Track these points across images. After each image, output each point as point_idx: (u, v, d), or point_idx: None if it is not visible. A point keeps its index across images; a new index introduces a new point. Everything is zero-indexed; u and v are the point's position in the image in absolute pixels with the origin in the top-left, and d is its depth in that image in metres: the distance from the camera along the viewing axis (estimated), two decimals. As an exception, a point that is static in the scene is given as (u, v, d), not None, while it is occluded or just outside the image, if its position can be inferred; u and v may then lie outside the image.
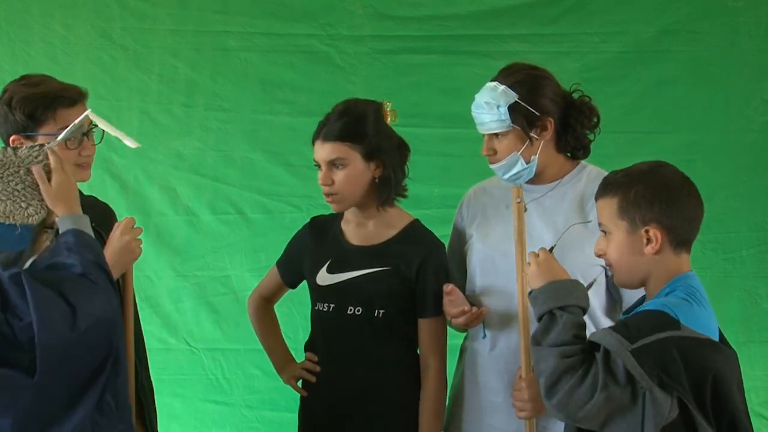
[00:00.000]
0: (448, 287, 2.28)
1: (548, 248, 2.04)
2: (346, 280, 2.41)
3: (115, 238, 2.19)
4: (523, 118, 2.24)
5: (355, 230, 2.46)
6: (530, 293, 2.00)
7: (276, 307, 2.71)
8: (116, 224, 2.23)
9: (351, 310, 2.39)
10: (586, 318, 1.97)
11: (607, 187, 1.95)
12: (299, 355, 2.57)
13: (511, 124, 2.24)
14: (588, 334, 1.89)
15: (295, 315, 3.60)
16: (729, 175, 3.79)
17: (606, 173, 2.16)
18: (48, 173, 1.89)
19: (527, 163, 2.27)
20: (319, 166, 2.38)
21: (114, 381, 1.83)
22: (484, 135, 2.31)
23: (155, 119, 3.82)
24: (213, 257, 3.84)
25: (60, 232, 1.91)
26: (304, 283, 2.55)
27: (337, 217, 2.50)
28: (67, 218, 1.91)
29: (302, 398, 2.55)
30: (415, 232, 2.44)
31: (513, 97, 2.24)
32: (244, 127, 3.84)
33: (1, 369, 1.68)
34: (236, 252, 3.84)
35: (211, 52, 3.83)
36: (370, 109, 2.38)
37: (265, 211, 3.84)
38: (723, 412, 1.75)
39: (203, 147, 3.84)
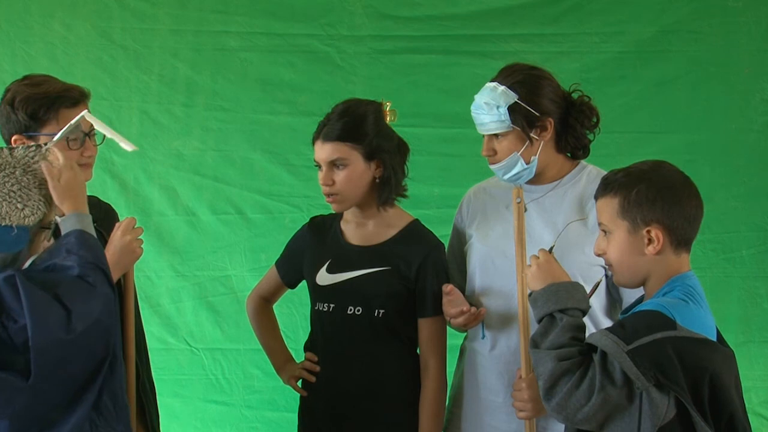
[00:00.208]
0: (447, 287, 2.28)
1: (548, 249, 2.04)
2: (345, 280, 2.41)
3: (117, 238, 2.19)
4: (523, 118, 2.24)
5: (355, 230, 2.46)
6: (530, 295, 2.00)
7: (276, 307, 2.71)
8: (117, 224, 2.23)
9: (351, 310, 2.39)
10: (586, 319, 1.97)
11: (607, 187, 1.94)
12: (299, 355, 2.57)
13: (511, 125, 2.24)
14: (587, 335, 1.89)
15: (295, 315, 3.61)
16: (729, 175, 3.80)
17: (605, 173, 2.16)
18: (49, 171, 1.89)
19: (527, 163, 2.27)
20: (319, 166, 2.38)
21: (111, 382, 1.83)
22: (483, 135, 2.31)
23: (155, 119, 3.83)
24: (213, 257, 3.84)
25: (63, 231, 1.91)
26: (304, 283, 2.55)
27: (337, 217, 2.50)
28: (72, 217, 1.90)
29: (302, 398, 2.55)
30: (415, 232, 2.44)
31: (513, 97, 2.24)
32: (244, 127, 3.85)
33: None
34: (236, 252, 3.84)
35: (211, 52, 3.83)
36: (370, 110, 2.38)
37: (265, 211, 3.84)
38: (721, 412, 1.75)
39: (203, 147, 3.84)
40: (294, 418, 2.57)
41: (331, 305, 2.42)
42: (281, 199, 3.83)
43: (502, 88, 2.26)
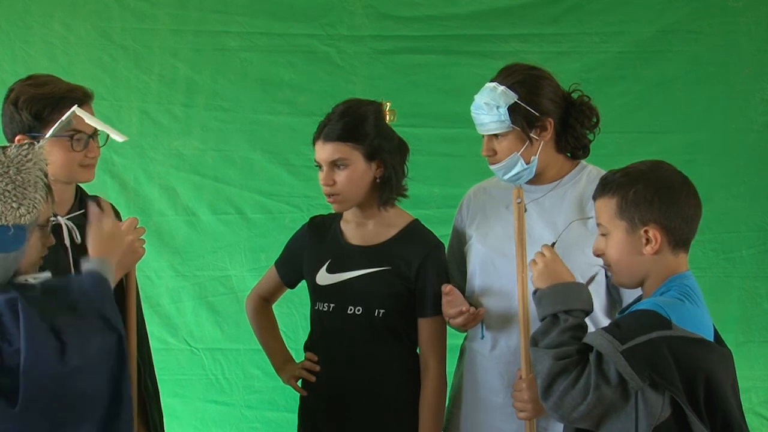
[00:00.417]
0: (446, 288, 2.28)
1: (549, 245, 2.04)
2: (346, 280, 2.41)
3: None
4: (523, 118, 2.24)
5: (355, 230, 2.46)
6: (534, 292, 2.00)
7: (276, 307, 2.71)
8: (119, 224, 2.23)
9: (351, 309, 2.39)
10: (586, 319, 1.97)
11: (605, 187, 1.94)
12: (299, 355, 2.57)
13: (511, 125, 2.24)
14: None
15: (295, 315, 3.61)
16: (729, 175, 3.80)
17: (606, 173, 2.16)
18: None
19: (527, 163, 2.27)
20: (320, 166, 2.38)
21: (115, 423, 1.83)
22: (483, 136, 2.31)
23: (155, 119, 3.82)
24: (213, 257, 3.84)
25: (84, 269, 1.95)
26: (304, 282, 2.55)
27: (337, 216, 2.50)
28: (97, 261, 1.95)
29: (302, 398, 2.55)
30: (415, 232, 2.44)
31: (512, 97, 2.24)
32: (244, 127, 3.85)
33: None
34: (236, 252, 3.84)
35: (211, 52, 3.83)
36: (370, 110, 2.38)
37: (265, 211, 3.84)
38: (716, 411, 1.76)
39: (203, 147, 3.84)
40: (294, 418, 2.57)
41: (331, 305, 2.42)
42: (281, 199, 3.83)
43: (502, 88, 2.25)
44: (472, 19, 3.81)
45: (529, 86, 2.26)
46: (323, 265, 2.44)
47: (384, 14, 3.82)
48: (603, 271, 2.19)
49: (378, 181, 2.38)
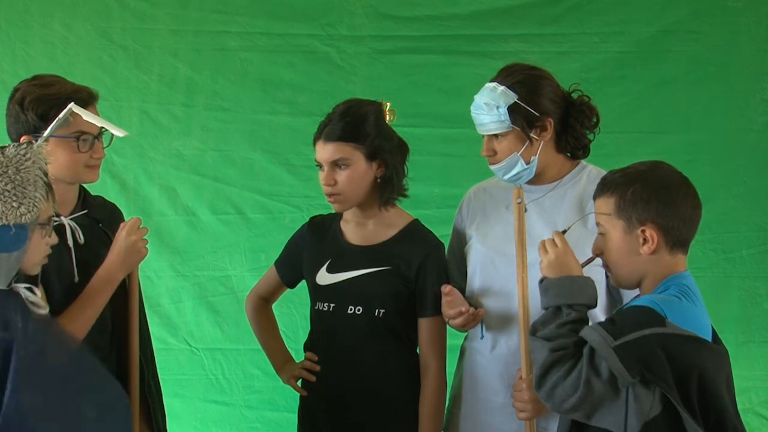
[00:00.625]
0: (446, 288, 2.28)
1: (561, 231, 2.04)
2: (346, 280, 2.41)
3: (122, 238, 2.20)
4: (523, 118, 2.24)
5: (355, 230, 2.46)
6: (541, 281, 2.00)
7: (276, 307, 2.71)
8: (122, 224, 2.24)
9: (351, 309, 2.39)
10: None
11: (604, 187, 1.95)
12: (299, 355, 2.57)
13: (511, 125, 2.24)
14: None
15: (295, 315, 3.61)
16: (729, 175, 3.79)
17: (606, 173, 2.16)
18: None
19: (527, 163, 2.27)
20: (320, 166, 2.38)
21: None
22: (483, 136, 2.31)
23: (155, 119, 3.82)
24: (213, 257, 3.84)
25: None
26: (304, 282, 2.55)
27: (337, 216, 2.50)
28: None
29: (302, 398, 2.55)
30: (415, 232, 2.44)
31: (512, 97, 2.24)
32: (244, 127, 3.84)
33: None
34: (236, 252, 3.84)
35: (211, 52, 3.83)
36: (371, 110, 2.38)
37: (265, 211, 3.84)
38: (710, 410, 1.76)
39: (203, 147, 3.84)
40: (294, 418, 2.57)
41: (332, 305, 2.42)
42: (281, 199, 3.83)
43: (502, 88, 2.26)
44: (472, 19, 3.81)
45: (529, 86, 2.26)
46: (323, 265, 2.44)
47: (384, 14, 3.82)
48: (603, 271, 2.19)
49: (379, 181, 2.38)
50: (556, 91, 2.30)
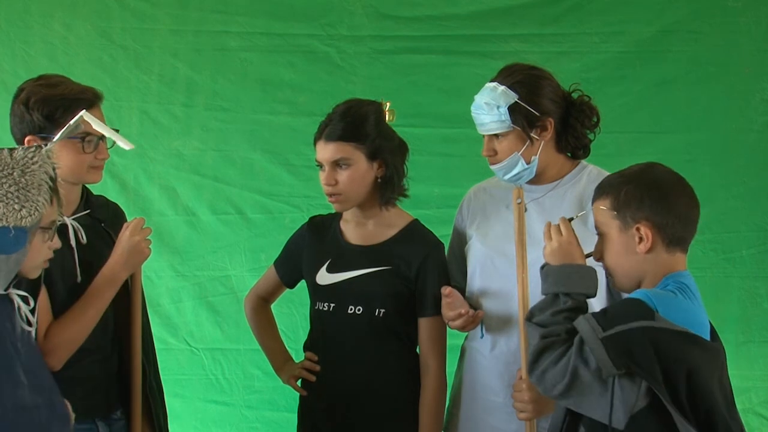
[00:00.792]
0: (446, 290, 2.27)
1: (568, 219, 2.04)
2: (346, 280, 2.41)
3: (125, 239, 2.20)
4: (524, 118, 2.24)
5: (355, 230, 2.46)
6: (543, 267, 2.00)
7: (275, 307, 2.71)
8: (125, 224, 2.24)
9: (351, 309, 2.39)
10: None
11: (601, 189, 1.98)
12: (300, 355, 2.57)
13: (512, 125, 2.24)
14: None
15: (295, 315, 3.61)
16: (729, 175, 3.79)
17: (606, 172, 2.17)
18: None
19: (528, 163, 2.27)
20: (321, 166, 2.38)
21: None
22: (484, 136, 2.31)
23: (155, 119, 3.82)
24: (213, 257, 3.84)
25: None
26: (303, 282, 2.55)
27: (336, 216, 2.50)
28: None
29: (302, 398, 2.55)
30: (415, 231, 2.44)
31: (513, 97, 2.24)
32: (244, 127, 3.84)
33: None
34: (236, 252, 3.84)
35: (211, 52, 3.83)
36: (371, 110, 2.38)
37: (265, 211, 3.84)
38: (699, 406, 1.76)
39: (203, 147, 3.84)
40: (294, 418, 2.57)
41: (332, 305, 2.42)
42: (281, 199, 3.83)
43: (502, 88, 2.26)
44: (472, 19, 3.81)
45: (529, 86, 2.26)
46: (323, 265, 2.44)
47: (384, 14, 3.82)
48: (604, 271, 2.19)
49: (379, 181, 2.38)
50: (557, 90, 2.30)
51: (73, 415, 1.96)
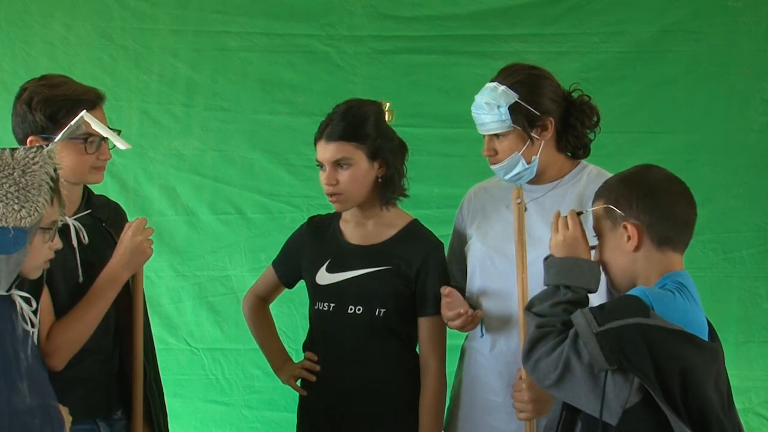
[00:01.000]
0: (445, 290, 2.27)
1: (576, 213, 2.04)
2: (346, 280, 2.41)
3: (127, 239, 2.20)
4: (524, 118, 2.24)
5: (354, 229, 2.46)
6: (546, 258, 2.00)
7: (275, 307, 2.71)
8: (127, 224, 2.24)
9: (351, 309, 2.39)
10: None
11: (597, 192, 1.99)
12: (299, 355, 2.57)
13: (512, 125, 2.24)
14: None
15: (295, 315, 3.61)
16: (729, 175, 3.79)
17: (606, 172, 2.17)
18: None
19: (528, 163, 2.27)
20: (321, 166, 2.38)
21: None
22: (484, 135, 2.31)
23: (155, 119, 3.82)
24: (213, 257, 3.84)
25: None
26: (302, 282, 2.55)
27: (336, 216, 2.50)
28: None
29: (301, 398, 2.55)
30: (415, 231, 2.44)
31: (513, 97, 2.24)
32: (244, 127, 3.84)
33: None
34: (236, 252, 3.84)
35: (211, 52, 3.83)
36: (371, 110, 2.39)
37: (265, 211, 3.84)
38: (692, 405, 1.76)
39: (203, 147, 3.84)
40: (294, 418, 2.57)
41: (332, 305, 2.42)
42: (281, 199, 3.83)
43: (503, 87, 2.26)
44: (472, 19, 3.81)
45: (529, 86, 2.26)
46: (323, 265, 2.44)
47: (384, 14, 3.82)
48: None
49: (380, 180, 2.39)
50: (557, 90, 2.31)
51: (69, 419, 1.96)
